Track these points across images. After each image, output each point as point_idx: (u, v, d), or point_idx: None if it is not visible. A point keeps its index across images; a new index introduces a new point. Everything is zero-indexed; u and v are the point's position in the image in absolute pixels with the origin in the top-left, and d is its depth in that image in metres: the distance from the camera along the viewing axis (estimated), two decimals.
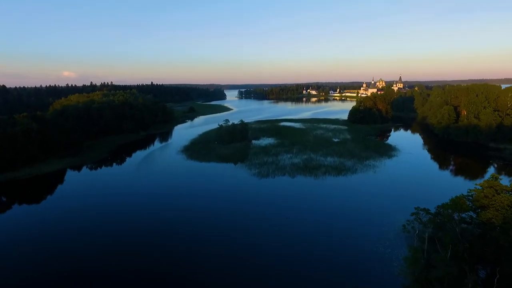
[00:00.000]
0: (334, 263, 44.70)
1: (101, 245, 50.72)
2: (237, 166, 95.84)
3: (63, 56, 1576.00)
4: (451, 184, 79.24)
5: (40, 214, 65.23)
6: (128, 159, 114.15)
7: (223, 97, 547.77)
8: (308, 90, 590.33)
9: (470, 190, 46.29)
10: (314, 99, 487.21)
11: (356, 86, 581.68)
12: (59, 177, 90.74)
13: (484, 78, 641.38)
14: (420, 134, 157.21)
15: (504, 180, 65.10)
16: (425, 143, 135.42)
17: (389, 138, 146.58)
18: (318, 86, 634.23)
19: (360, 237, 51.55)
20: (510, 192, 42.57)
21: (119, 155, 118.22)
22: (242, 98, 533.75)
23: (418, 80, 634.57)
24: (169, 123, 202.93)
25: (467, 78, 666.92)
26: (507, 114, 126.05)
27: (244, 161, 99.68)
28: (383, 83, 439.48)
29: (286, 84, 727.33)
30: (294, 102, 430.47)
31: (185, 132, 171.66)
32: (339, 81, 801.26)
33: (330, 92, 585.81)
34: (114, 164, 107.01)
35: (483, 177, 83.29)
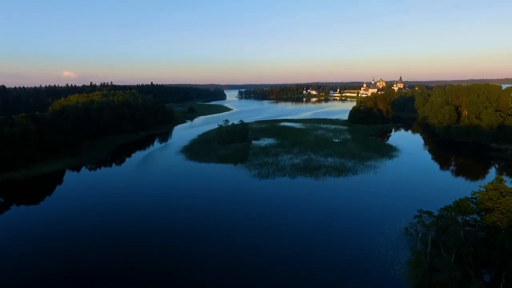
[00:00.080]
0: (334, 263, 44.43)
1: (101, 245, 50.48)
2: (237, 166, 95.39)
3: (63, 56, 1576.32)
4: (453, 185, 78.89)
5: (40, 214, 64.94)
6: (127, 159, 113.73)
7: (223, 97, 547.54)
8: (308, 90, 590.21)
9: (474, 192, 45.64)
10: (314, 99, 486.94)
11: (356, 86, 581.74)
12: (58, 178, 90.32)
13: (485, 78, 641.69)
14: (421, 135, 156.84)
15: (508, 182, 64.55)
16: (426, 143, 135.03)
17: (390, 138, 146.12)
18: (318, 86, 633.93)
19: (360, 237, 51.18)
20: None
21: (118, 156, 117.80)
22: (242, 98, 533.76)
23: (418, 80, 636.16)
24: (169, 123, 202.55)
25: (467, 78, 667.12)
26: (509, 114, 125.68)
27: (244, 162, 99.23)
28: (384, 83, 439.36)
29: (286, 84, 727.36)
30: (294, 102, 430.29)
31: (185, 132, 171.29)
32: (339, 81, 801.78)
33: (330, 92, 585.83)
34: (114, 164, 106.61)
35: (484, 177, 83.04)
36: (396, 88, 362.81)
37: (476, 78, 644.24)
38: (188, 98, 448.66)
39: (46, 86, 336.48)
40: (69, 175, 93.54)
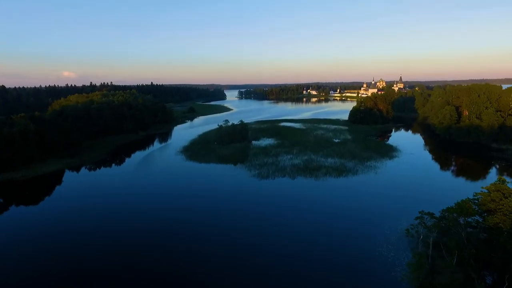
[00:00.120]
0: (334, 263, 44.32)
1: (101, 245, 50.38)
2: (237, 166, 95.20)
3: (63, 56, 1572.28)
4: (453, 185, 78.72)
5: (39, 214, 64.82)
6: (127, 159, 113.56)
7: (223, 97, 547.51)
8: (308, 90, 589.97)
9: (476, 193, 45.28)
10: (314, 99, 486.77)
11: (356, 86, 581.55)
12: (58, 178, 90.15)
13: (485, 78, 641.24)
14: (421, 135, 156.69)
15: (510, 183, 64.28)
16: (426, 143, 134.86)
17: (390, 138, 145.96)
18: (318, 86, 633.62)
19: (360, 237, 51.05)
20: None
21: (118, 156, 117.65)
22: (242, 98, 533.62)
23: (419, 80, 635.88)
24: (168, 123, 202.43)
25: (467, 78, 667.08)
26: (509, 115, 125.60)
27: (244, 162, 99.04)
28: (384, 83, 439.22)
29: (286, 84, 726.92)
30: (294, 102, 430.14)
31: (184, 132, 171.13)
32: (339, 81, 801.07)
33: (330, 92, 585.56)
34: (114, 164, 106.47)
35: (485, 178, 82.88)
36: (396, 88, 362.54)
37: (476, 78, 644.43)
38: (188, 98, 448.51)
39: (46, 86, 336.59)
40: (68, 175, 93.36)
